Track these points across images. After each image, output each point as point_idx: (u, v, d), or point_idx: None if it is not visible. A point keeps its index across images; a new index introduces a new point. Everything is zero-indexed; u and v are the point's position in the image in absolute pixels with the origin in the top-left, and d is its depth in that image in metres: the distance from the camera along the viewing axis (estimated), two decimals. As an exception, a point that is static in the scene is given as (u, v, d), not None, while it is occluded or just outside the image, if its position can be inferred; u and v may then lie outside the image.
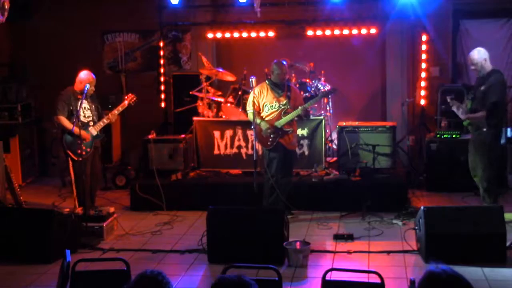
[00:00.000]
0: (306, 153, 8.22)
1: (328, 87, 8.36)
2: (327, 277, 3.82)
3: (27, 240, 6.18)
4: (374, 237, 6.64)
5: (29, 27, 10.02)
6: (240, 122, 8.25)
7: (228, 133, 8.40)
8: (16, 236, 6.23)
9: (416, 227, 6.08)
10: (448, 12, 9.24)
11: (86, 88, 7.02)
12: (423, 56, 9.18)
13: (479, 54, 6.73)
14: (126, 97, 7.53)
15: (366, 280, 4.72)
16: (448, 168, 8.21)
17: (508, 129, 8.30)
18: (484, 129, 6.69)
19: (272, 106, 7.13)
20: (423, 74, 9.21)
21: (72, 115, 7.01)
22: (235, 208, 6.42)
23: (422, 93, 9.24)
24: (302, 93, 7.98)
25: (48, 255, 6.05)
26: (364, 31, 9.29)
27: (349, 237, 6.54)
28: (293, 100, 7.16)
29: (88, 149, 7.14)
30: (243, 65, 8.90)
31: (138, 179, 8.61)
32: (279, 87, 7.18)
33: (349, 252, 6.21)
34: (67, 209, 6.90)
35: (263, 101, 7.16)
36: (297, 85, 8.10)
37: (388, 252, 6.15)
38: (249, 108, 7.22)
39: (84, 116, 7.16)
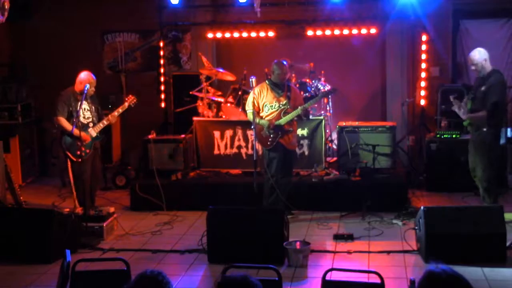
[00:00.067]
0: (306, 153, 8.22)
1: (328, 87, 8.37)
2: (327, 277, 3.82)
3: (27, 240, 6.18)
4: (374, 237, 6.64)
5: (29, 27, 10.02)
6: (240, 122, 8.25)
7: (228, 133, 8.40)
8: (16, 236, 6.23)
9: (416, 227, 6.08)
10: (448, 12, 9.24)
11: (86, 89, 7.00)
12: (423, 56, 9.18)
13: (479, 54, 6.73)
14: (126, 99, 7.51)
15: (366, 280, 4.72)
16: (448, 168, 8.21)
17: (508, 129, 8.30)
18: (484, 129, 6.70)
19: (272, 106, 7.13)
20: (423, 74, 9.22)
21: (72, 116, 7.00)
22: (235, 208, 6.41)
23: (422, 93, 9.24)
24: (302, 93, 7.98)
25: (48, 255, 6.05)
26: (364, 31, 9.29)
27: (349, 237, 6.54)
28: (293, 100, 7.16)
29: (88, 150, 7.12)
30: (243, 65, 8.90)
31: (138, 179, 8.61)
32: (279, 87, 7.18)
33: (349, 252, 6.21)
34: (67, 209, 6.91)
35: (263, 101, 7.16)
36: (297, 85, 8.10)
37: (388, 252, 6.15)
38: (249, 108, 7.22)
39: (84, 117, 7.14)
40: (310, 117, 7.89)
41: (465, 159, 7.21)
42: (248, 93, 7.73)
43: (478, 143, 6.81)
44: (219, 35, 9.77)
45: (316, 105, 8.20)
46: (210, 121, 8.46)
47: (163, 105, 9.86)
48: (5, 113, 9.44)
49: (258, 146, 7.50)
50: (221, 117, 8.47)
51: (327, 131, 8.46)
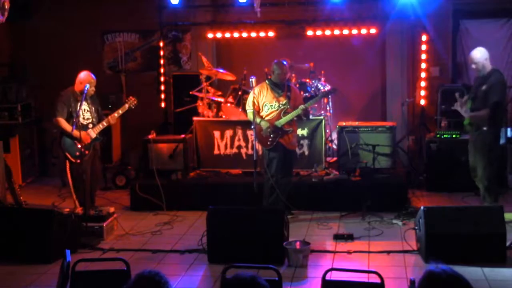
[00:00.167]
0: (306, 153, 8.21)
1: (328, 87, 8.36)
2: (327, 277, 3.82)
3: (27, 240, 6.18)
4: (374, 237, 6.64)
5: (29, 27, 10.02)
6: (240, 122, 8.25)
7: (228, 133, 8.40)
8: (16, 236, 6.23)
9: (416, 227, 6.08)
10: (448, 12, 9.24)
11: (86, 89, 6.98)
12: (423, 56, 9.18)
13: (480, 54, 6.74)
14: (126, 100, 7.47)
15: (366, 280, 4.72)
16: (448, 168, 8.21)
17: (508, 129, 8.30)
18: (485, 128, 6.70)
19: (272, 106, 7.13)
20: (423, 74, 9.21)
21: (72, 116, 6.98)
22: (235, 208, 6.41)
23: (422, 93, 9.24)
24: (302, 93, 7.98)
25: (48, 255, 6.05)
26: (364, 31, 9.29)
27: (349, 237, 6.54)
28: (293, 100, 7.16)
29: (87, 152, 7.10)
30: (243, 65, 8.90)
31: (138, 179, 8.60)
32: (279, 87, 7.18)
33: (349, 252, 6.21)
34: (67, 209, 6.90)
35: (263, 101, 7.16)
36: (297, 85, 8.10)
37: (388, 252, 6.15)
38: (249, 108, 7.22)
39: (83, 118, 7.10)
40: (310, 117, 7.90)
41: (465, 159, 7.21)
42: (248, 93, 7.73)
43: (478, 143, 6.81)
44: (219, 35, 9.77)
45: (316, 105, 8.20)
46: (210, 121, 8.46)
47: (163, 105, 9.87)
48: (5, 113, 9.45)
49: (258, 146, 7.50)
50: (221, 117, 8.47)
51: (327, 131, 8.46)
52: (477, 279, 5.27)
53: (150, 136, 8.37)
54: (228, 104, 8.41)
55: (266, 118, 7.13)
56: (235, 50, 9.99)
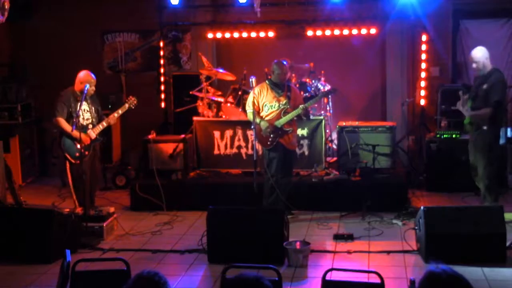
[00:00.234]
0: (306, 153, 8.21)
1: (328, 87, 8.37)
2: (327, 277, 3.81)
3: (27, 240, 6.18)
4: (374, 237, 6.63)
5: (29, 27, 10.02)
6: (240, 122, 8.25)
7: (228, 133, 8.40)
8: (16, 236, 6.22)
9: (416, 227, 6.08)
10: (448, 12, 9.24)
11: (86, 89, 6.97)
12: (423, 56, 9.18)
13: (481, 53, 6.75)
14: (126, 100, 7.47)
15: (366, 280, 4.72)
16: (448, 168, 8.21)
17: (508, 129, 8.30)
18: (485, 128, 6.70)
19: (272, 106, 7.13)
20: (423, 74, 9.22)
21: (72, 117, 6.96)
22: (235, 208, 6.41)
23: (422, 93, 9.24)
24: (302, 93, 7.98)
25: (48, 255, 6.04)
26: (364, 31, 9.29)
27: (349, 237, 6.54)
28: (293, 100, 7.16)
29: (87, 152, 7.09)
30: (243, 65, 8.89)
31: (138, 179, 8.60)
32: (279, 87, 7.18)
33: (349, 252, 6.21)
34: (67, 209, 6.89)
35: (263, 101, 7.16)
36: (297, 85, 8.10)
37: (388, 252, 6.14)
38: (249, 108, 7.22)
39: (83, 118, 7.08)
40: (310, 117, 7.89)
41: (465, 159, 7.22)
42: (248, 93, 7.73)
43: (479, 143, 6.81)
44: (219, 35, 9.77)
45: (316, 105, 8.21)
46: (210, 121, 8.46)
47: (163, 105, 9.87)
48: (5, 113, 9.45)
49: (258, 146, 7.50)
50: (221, 117, 8.47)
51: (327, 131, 8.46)
52: (477, 279, 5.27)
53: (150, 136, 8.37)
54: (228, 104, 8.41)
55: (266, 118, 7.13)
56: (235, 50, 9.99)
